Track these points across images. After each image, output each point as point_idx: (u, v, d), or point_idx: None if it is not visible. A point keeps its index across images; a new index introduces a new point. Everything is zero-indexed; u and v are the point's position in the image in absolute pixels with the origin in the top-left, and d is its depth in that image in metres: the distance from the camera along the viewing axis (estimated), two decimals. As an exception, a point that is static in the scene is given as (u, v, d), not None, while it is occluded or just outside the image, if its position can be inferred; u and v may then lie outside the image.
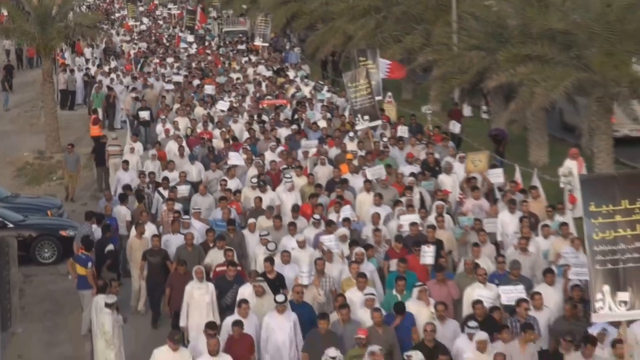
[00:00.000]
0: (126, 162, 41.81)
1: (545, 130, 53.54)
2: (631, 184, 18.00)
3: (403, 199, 34.27)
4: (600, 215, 17.66)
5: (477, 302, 24.45)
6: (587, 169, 43.20)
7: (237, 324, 23.83)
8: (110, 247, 32.97)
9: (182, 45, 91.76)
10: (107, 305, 27.11)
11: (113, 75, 69.54)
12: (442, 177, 38.19)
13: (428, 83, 62.70)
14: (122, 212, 35.88)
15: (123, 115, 61.75)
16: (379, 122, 47.69)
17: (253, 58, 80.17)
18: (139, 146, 46.37)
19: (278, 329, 24.23)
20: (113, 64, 78.76)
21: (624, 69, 46.21)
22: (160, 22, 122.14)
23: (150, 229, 32.92)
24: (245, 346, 23.68)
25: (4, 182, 49.64)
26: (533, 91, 47.03)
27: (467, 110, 62.62)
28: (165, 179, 38.58)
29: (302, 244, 29.64)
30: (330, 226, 30.99)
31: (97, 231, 33.83)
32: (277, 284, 27.22)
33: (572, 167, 40.92)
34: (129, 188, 38.01)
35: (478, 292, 25.51)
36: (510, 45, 50.22)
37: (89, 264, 31.14)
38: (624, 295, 17.50)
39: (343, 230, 30.96)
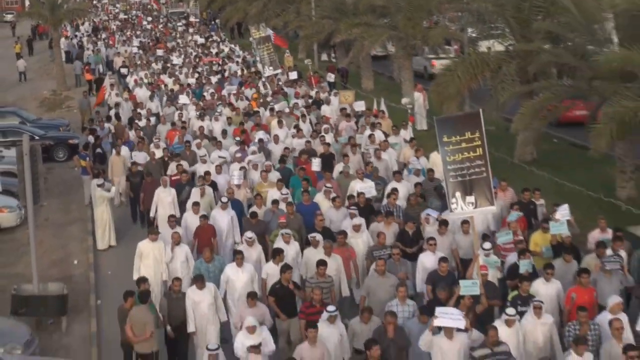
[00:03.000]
0: (117, 105, 40.03)
1: (370, 68, 53.63)
2: (471, 120, 17.16)
3: (300, 123, 32.51)
4: (451, 143, 16.91)
5: (360, 194, 23.01)
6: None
7: (204, 217, 22.10)
8: (98, 150, 31.99)
9: (144, 22, 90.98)
10: (98, 185, 26.85)
11: (99, 43, 67.47)
12: (324, 108, 36.75)
13: (298, 41, 63.22)
14: (107, 126, 34.99)
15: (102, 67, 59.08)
16: (279, 71, 46.56)
17: (190, 30, 79.39)
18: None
19: (221, 221, 22.53)
20: (104, 35, 76.35)
21: (417, 29, 46.17)
22: (129, 7, 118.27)
23: (124, 150, 30.88)
24: (209, 232, 21.90)
25: (32, 110, 48.46)
26: (362, 44, 47.04)
27: (323, 56, 63.10)
28: (138, 113, 37.14)
29: (238, 159, 27.50)
30: (245, 144, 29.48)
31: (92, 139, 33.01)
32: (212, 187, 25.32)
33: (418, 97, 40.18)
34: (109, 116, 37.33)
35: (359, 186, 23.93)
36: (348, 16, 50.32)
37: (87, 159, 30.72)
38: (470, 198, 16.87)
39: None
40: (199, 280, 17.99)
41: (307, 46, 60.41)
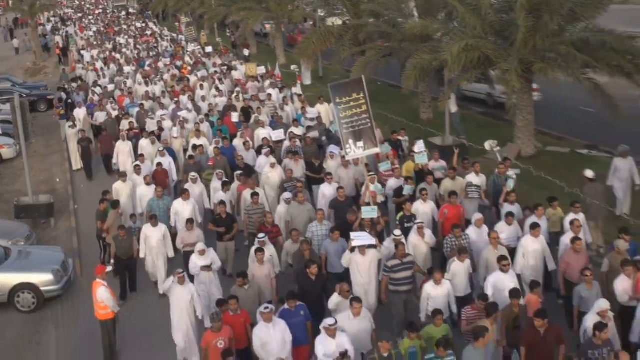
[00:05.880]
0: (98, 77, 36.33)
1: (254, 39, 52.21)
2: (356, 84, 15.30)
3: (218, 84, 30.15)
4: (342, 103, 15.02)
5: (264, 138, 20.97)
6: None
7: (159, 164, 19.77)
8: (69, 100, 30.68)
9: (96, 13, 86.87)
10: (69, 126, 25.86)
11: (74, 29, 63.46)
12: (234, 73, 33.69)
13: (203, 22, 61.01)
14: (73, 85, 32.97)
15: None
16: (198, 47, 44.22)
17: (132, 17, 75.13)
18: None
19: (163, 165, 19.63)
20: (69, 23, 71.97)
21: (284, 11, 45.31)
22: (84, 2, 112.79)
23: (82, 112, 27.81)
24: (163, 175, 19.55)
25: (19, 76, 45.86)
26: (248, 23, 45.88)
27: (233, 33, 61.65)
28: (95, 81, 34.19)
29: (176, 114, 25.33)
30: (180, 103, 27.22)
31: (64, 95, 31.58)
32: (157, 138, 22.60)
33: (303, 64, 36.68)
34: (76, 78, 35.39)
35: (266, 132, 21.97)
36: (237, 2, 48.41)
37: (61, 108, 29.71)
38: (360, 144, 15.03)
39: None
40: (152, 219, 16.11)
41: (209, 26, 58.51)
